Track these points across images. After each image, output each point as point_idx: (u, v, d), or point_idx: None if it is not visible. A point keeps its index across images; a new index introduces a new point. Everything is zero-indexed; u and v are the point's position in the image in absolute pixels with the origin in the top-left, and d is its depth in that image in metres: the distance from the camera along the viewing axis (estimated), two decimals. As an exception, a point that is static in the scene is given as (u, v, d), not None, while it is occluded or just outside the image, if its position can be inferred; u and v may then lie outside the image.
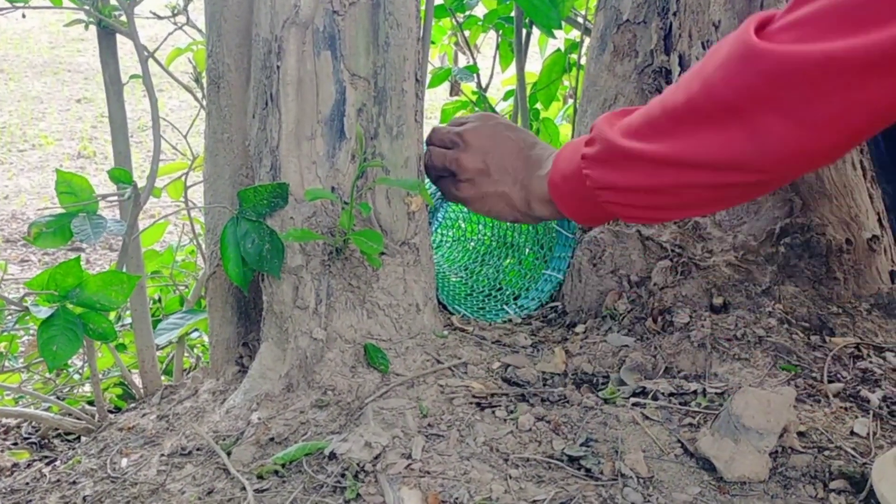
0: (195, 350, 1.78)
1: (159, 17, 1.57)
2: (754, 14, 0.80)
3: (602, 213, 1.02)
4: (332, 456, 0.93)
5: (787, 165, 0.80)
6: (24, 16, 1.61)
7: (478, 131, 1.19)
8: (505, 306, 1.39)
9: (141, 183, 1.18)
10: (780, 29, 0.75)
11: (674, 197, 0.91)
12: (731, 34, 0.80)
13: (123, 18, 1.22)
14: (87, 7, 1.21)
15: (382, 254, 1.10)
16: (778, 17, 0.77)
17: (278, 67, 1.06)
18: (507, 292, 1.44)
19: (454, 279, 1.52)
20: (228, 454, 0.99)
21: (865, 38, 0.69)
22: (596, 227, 1.31)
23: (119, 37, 1.28)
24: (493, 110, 2.10)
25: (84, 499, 0.98)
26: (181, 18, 1.42)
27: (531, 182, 1.12)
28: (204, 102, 1.26)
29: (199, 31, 1.57)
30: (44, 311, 1.04)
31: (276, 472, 0.94)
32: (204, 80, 1.37)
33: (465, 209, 1.57)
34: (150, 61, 1.25)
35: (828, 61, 0.71)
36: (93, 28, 1.26)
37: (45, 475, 1.11)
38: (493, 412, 1.01)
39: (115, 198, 1.12)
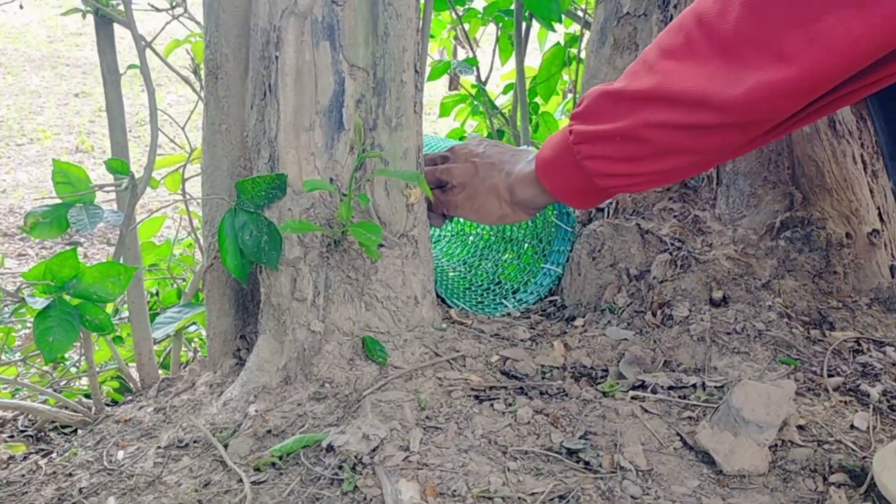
0: (192, 343, 1.78)
1: (157, 10, 1.56)
2: None
3: (584, 181, 1.03)
4: (330, 448, 0.92)
5: (756, 102, 0.82)
6: (21, 6, 1.60)
7: (465, 144, 1.23)
8: (504, 300, 1.39)
9: (138, 175, 1.18)
10: None
11: (649, 146, 0.92)
12: None
13: (121, 8, 1.21)
14: (84, -4, 1.20)
15: (381, 246, 1.09)
16: None
17: (277, 58, 1.05)
18: (506, 286, 1.43)
19: (452, 274, 1.51)
20: (225, 446, 0.98)
21: None
22: (583, 208, 1.31)
23: (118, 30, 1.28)
24: (493, 104, 2.09)
25: (80, 490, 0.98)
26: (179, 10, 1.41)
27: (516, 168, 1.15)
28: (202, 94, 1.25)
29: (197, 22, 1.56)
30: (40, 302, 1.03)
31: (274, 464, 0.93)
32: (202, 72, 1.36)
33: None
34: (149, 54, 1.24)
35: None
36: (91, 23, 1.26)
37: (41, 467, 1.10)
38: (492, 405, 1.00)
39: (113, 191, 1.11)
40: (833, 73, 0.78)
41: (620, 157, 0.96)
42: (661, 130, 0.90)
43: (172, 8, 1.55)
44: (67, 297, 1.06)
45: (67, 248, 3.42)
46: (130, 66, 1.21)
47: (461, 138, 2.20)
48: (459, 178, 1.20)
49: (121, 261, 1.20)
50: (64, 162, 1.08)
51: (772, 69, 0.79)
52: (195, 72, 1.53)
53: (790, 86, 0.80)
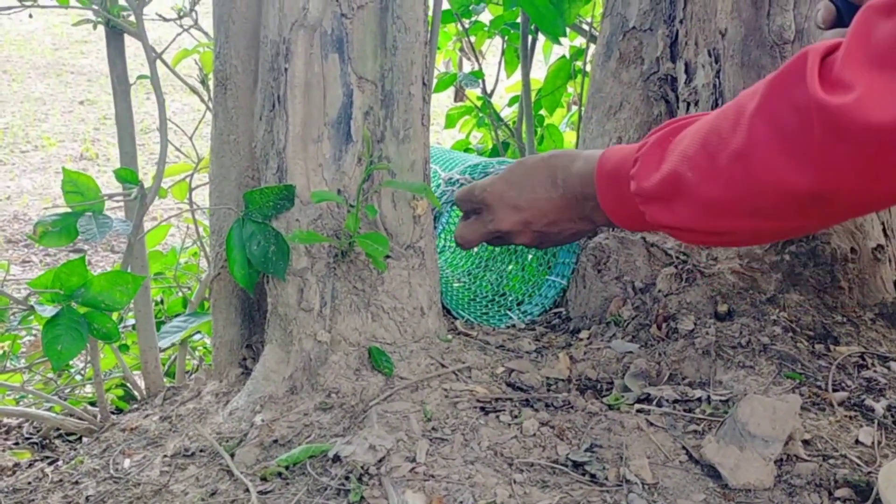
0: (197, 352, 1.78)
1: (165, 20, 1.57)
2: (812, 50, 0.73)
3: (661, 231, 1.01)
4: (336, 458, 0.92)
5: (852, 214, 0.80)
6: (30, 16, 1.61)
7: (495, 194, 1.15)
8: (508, 311, 1.39)
9: (146, 184, 1.18)
10: (850, 82, 0.69)
11: (735, 235, 0.90)
12: (792, 72, 0.74)
13: (132, 19, 1.22)
14: (95, 7, 1.21)
15: (388, 257, 1.10)
16: (842, 62, 0.70)
17: (286, 70, 1.06)
18: (511, 298, 1.44)
19: (457, 285, 1.52)
20: (232, 456, 0.99)
21: None
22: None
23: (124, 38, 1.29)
24: (498, 116, 2.10)
25: (87, 499, 0.98)
26: (188, 21, 1.42)
27: (586, 210, 1.08)
28: (210, 104, 1.26)
29: (206, 33, 1.57)
30: (49, 311, 1.04)
31: (280, 474, 0.94)
32: (210, 82, 1.37)
33: None
34: (156, 63, 1.25)
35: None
36: (97, 31, 1.27)
37: (47, 475, 1.10)
38: (498, 417, 1.01)
39: (119, 199, 1.12)
40: None
41: (703, 239, 0.95)
42: (746, 232, 0.88)
43: (180, 18, 1.56)
44: (76, 306, 1.06)
45: (72, 254, 3.42)
46: (140, 77, 1.22)
47: (467, 149, 2.21)
48: (527, 243, 1.16)
49: (128, 270, 1.21)
50: (73, 171, 1.08)
51: (859, 187, 0.74)
52: (203, 82, 1.54)
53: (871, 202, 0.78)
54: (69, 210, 1.09)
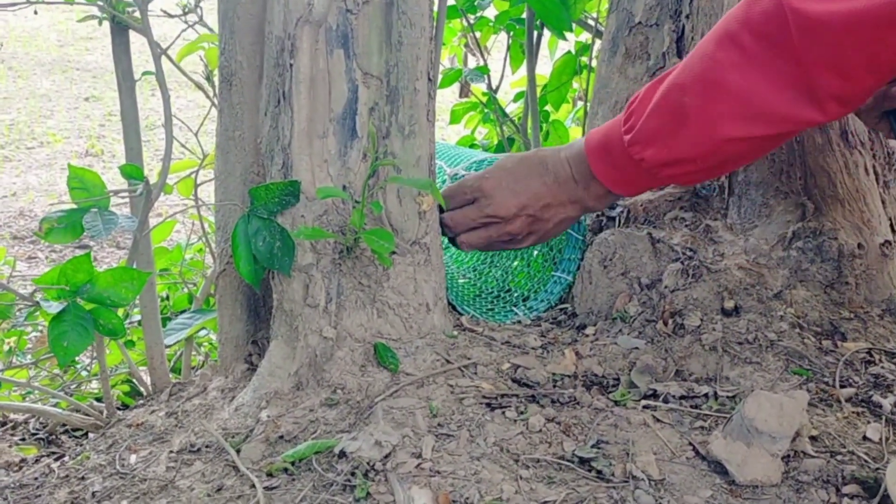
0: (202, 348, 1.78)
1: (170, 16, 1.57)
2: None
3: (657, 182, 1.10)
4: (342, 454, 0.92)
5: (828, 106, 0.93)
6: (35, 12, 1.61)
7: (493, 180, 1.20)
8: (514, 308, 1.39)
9: (151, 180, 1.18)
10: None
11: (725, 155, 1.01)
12: None
13: (137, 15, 1.22)
14: (100, 3, 1.21)
15: (393, 253, 1.10)
16: None
17: (291, 65, 1.05)
18: (516, 294, 1.43)
19: (462, 280, 1.52)
20: (238, 452, 0.99)
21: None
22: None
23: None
24: (503, 112, 2.09)
25: (93, 494, 0.98)
26: (193, 17, 1.42)
27: (577, 192, 1.17)
28: (215, 100, 1.26)
29: (211, 29, 1.57)
30: (55, 307, 1.04)
31: (286, 469, 0.94)
32: (215, 78, 1.37)
33: None
34: (161, 59, 1.25)
35: (855, 19, 0.83)
36: (102, 27, 1.26)
37: (53, 470, 1.11)
38: (504, 413, 1.01)
39: (124, 195, 1.12)
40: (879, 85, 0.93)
41: (701, 169, 1.05)
42: (741, 143, 0.99)
43: (185, 14, 1.56)
44: (81, 302, 1.06)
45: (77, 251, 3.43)
46: (145, 73, 1.22)
47: (472, 145, 2.21)
48: (522, 232, 1.21)
49: (134, 266, 1.21)
50: (79, 167, 1.08)
51: (834, 82, 0.90)
52: (208, 78, 1.54)
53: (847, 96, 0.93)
54: (75, 206, 1.09)
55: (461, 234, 1.22)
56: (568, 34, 1.79)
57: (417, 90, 1.10)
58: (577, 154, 1.16)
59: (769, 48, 0.91)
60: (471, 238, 1.22)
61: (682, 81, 0.98)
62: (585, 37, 2.10)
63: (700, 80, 0.96)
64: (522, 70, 2.00)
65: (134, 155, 1.24)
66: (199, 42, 1.39)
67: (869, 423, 1.00)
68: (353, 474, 0.90)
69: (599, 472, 0.90)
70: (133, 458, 1.06)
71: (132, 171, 1.09)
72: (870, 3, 0.82)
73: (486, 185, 1.20)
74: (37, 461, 1.30)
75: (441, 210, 1.22)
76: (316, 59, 1.06)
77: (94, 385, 1.70)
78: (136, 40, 1.31)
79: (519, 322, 1.33)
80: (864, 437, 0.98)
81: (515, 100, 2.29)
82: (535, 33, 1.88)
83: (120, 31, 1.24)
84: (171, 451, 1.03)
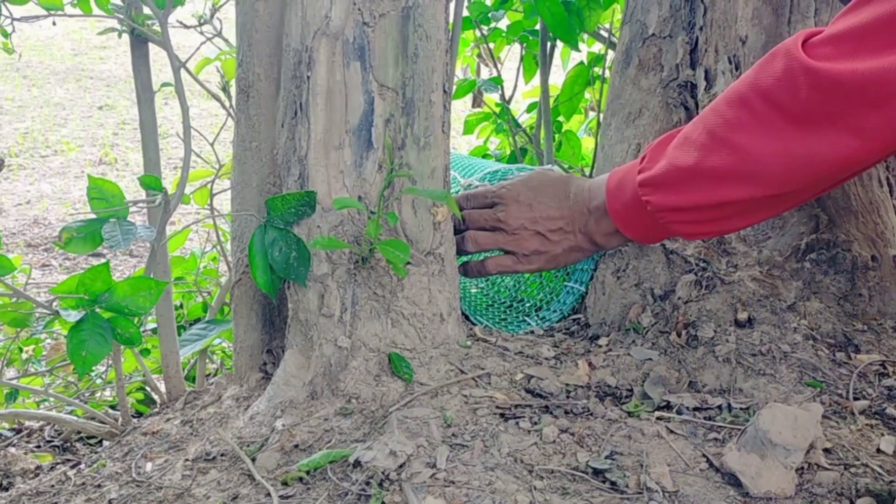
0: (216, 356, 1.80)
1: (186, 27, 1.59)
2: (802, 30, 0.88)
3: (669, 233, 1.10)
4: (357, 464, 0.93)
5: (840, 172, 0.90)
6: (54, 23, 1.63)
7: (513, 190, 1.21)
8: (527, 318, 1.39)
9: (168, 190, 1.19)
10: (822, 42, 0.83)
11: (730, 210, 0.99)
12: (781, 48, 0.88)
13: (155, 27, 1.23)
14: (120, 15, 1.22)
15: (408, 263, 1.10)
16: (833, 24, 0.85)
17: (308, 77, 1.07)
18: (529, 304, 1.44)
19: (474, 290, 1.52)
20: (253, 460, 0.99)
21: None
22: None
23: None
24: (516, 122, 2.10)
25: (109, 502, 0.99)
26: (211, 30, 1.43)
27: (589, 224, 1.17)
28: (232, 111, 1.27)
29: (227, 41, 1.59)
30: (73, 316, 1.05)
31: (301, 478, 0.94)
32: (232, 89, 1.39)
33: None
34: (180, 71, 1.26)
35: (877, 77, 0.79)
36: (116, 37, 1.28)
37: (69, 478, 1.11)
38: (517, 423, 1.01)
39: (145, 207, 1.13)
40: None
41: (702, 220, 1.04)
42: (743, 203, 0.98)
43: (201, 25, 1.57)
44: (100, 311, 1.07)
45: (91, 259, 3.43)
46: (164, 85, 1.23)
47: (485, 156, 2.22)
48: (527, 249, 1.21)
49: (151, 275, 1.22)
50: (99, 178, 1.10)
51: (848, 143, 0.87)
52: (224, 89, 1.56)
53: (863, 157, 0.89)
54: (93, 216, 1.10)
55: (470, 231, 1.23)
56: (581, 45, 1.80)
57: (433, 102, 1.11)
58: (598, 186, 1.16)
59: (778, 110, 0.89)
60: (477, 236, 1.22)
61: (693, 136, 0.98)
62: (598, 47, 2.11)
63: (709, 136, 0.96)
64: (535, 80, 2.01)
65: (152, 165, 1.25)
66: (217, 59, 1.40)
67: (883, 435, 1.00)
68: (367, 484, 0.90)
69: (613, 483, 0.90)
70: (149, 466, 1.07)
71: (151, 182, 1.10)
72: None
73: (505, 193, 1.21)
74: (52, 468, 1.31)
75: (456, 222, 1.23)
76: (333, 71, 1.07)
77: (109, 393, 1.71)
78: (151, 49, 1.32)
79: (532, 332, 1.33)
80: (878, 450, 0.98)
81: (528, 110, 2.30)
82: (549, 44, 1.90)
83: (139, 44, 1.26)
84: (187, 460, 1.04)
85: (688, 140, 0.99)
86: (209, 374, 1.68)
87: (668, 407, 1.06)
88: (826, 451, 0.96)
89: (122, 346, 1.24)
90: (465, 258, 1.31)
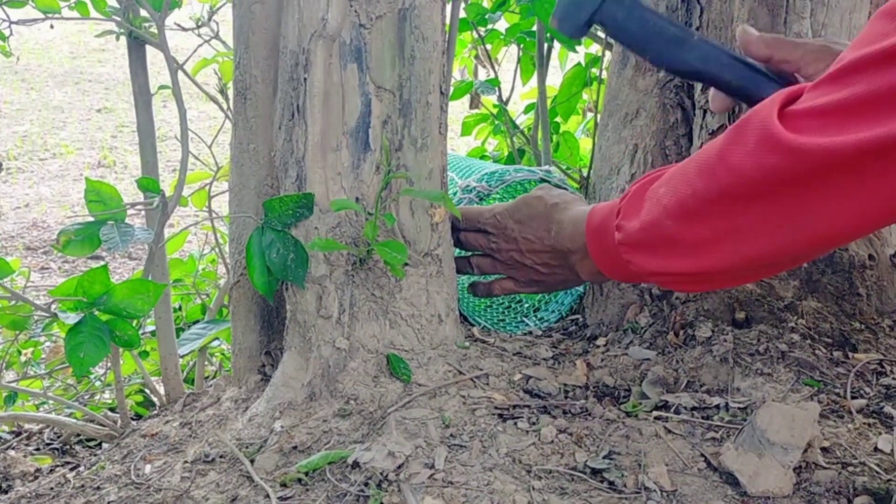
0: (215, 358, 1.80)
1: (184, 29, 1.59)
2: (778, 94, 0.80)
3: (648, 282, 1.09)
4: (356, 465, 0.93)
5: (822, 249, 0.84)
6: (52, 26, 1.63)
7: (500, 224, 1.20)
8: (525, 318, 1.40)
9: (165, 192, 1.20)
10: (805, 115, 0.76)
11: (719, 277, 0.93)
12: (756, 115, 0.80)
13: (153, 30, 1.24)
14: (117, 18, 1.23)
15: (406, 264, 1.11)
16: (803, 99, 0.77)
17: (305, 80, 1.07)
18: (527, 304, 1.44)
19: (473, 291, 1.52)
20: (252, 462, 1.00)
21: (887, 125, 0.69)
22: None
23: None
24: (514, 123, 2.10)
25: (109, 504, 0.99)
26: (209, 32, 1.44)
27: (573, 261, 1.13)
28: (229, 113, 1.28)
29: (224, 44, 1.59)
30: (72, 318, 1.05)
31: (300, 480, 0.95)
32: (229, 92, 1.39)
33: None
34: (177, 73, 1.26)
35: (860, 152, 0.71)
36: (114, 40, 1.28)
37: (69, 480, 1.12)
38: (516, 423, 1.01)
39: (142, 209, 1.13)
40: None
41: (689, 282, 0.99)
42: (726, 274, 0.93)
43: (198, 27, 1.58)
44: (98, 314, 1.08)
45: (90, 261, 3.43)
46: (162, 87, 1.24)
47: (483, 157, 2.22)
48: (523, 278, 1.20)
49: (150, 277, 1.22)
50: (96, 180, 1.10)
51: (828, 216, 0.80)
52: (222, 91, 1.56)
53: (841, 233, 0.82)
54: (91, 219, 1.10)
55: (473, 256, 1.23)
56: (578, 46, 1.80)
57: (430, 103, 1.11)
58: (577, 225, 1.12)
59: (748, 185, 0.81)
60: (480, 262, 1.23)
61: (665, 199, 0.91)
62: (595, 48, 2.11)
63: (680, 207, 0.89)
64: (533, 82, 2.01)
65: (150, 168, 1.25)
66: (214, 59, 1.41)
67: (880, 434, 1.01)
68: (366, 485, 0.90)
69: (611, 483, 0.90)
70: (148, 468, 1.07)
71: (149, 185, 1.10)
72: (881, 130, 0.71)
73: (494, 224, 1.19)
74: (52, 471, 1.31)
75: (454, 225, 1.23)
76: (330, 74, 1.07)
77: (108, 395, 1.71)
78: (149, 52, 1.32)
79: (530, 333, 1.33)
80: (876, 449, 0.98)
81: (526, 111, 2.30)
82: (546, 45, 1.90)
83: (137, 47, 1.26)
84: (186, 462, 1.04)
85: (661, 204, 0.92)
86: (208, 376, 1.68)
87: (666, 407, 1.06)
88: (824, 449, 0.96)
89: (120, 349, 1.24)
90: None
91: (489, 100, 2.13)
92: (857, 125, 0.71)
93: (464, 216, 1.22)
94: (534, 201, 1.18)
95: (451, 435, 0.99)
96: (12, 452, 1.42)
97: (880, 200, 0.74)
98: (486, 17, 1.90)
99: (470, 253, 1.24)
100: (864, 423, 1.03)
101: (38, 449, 1.50)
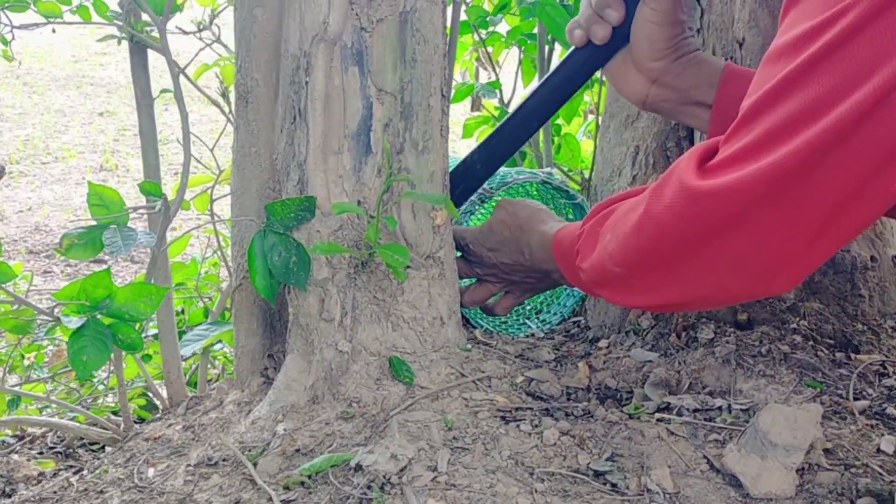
0: (218, 361, 1.80)
1: (185, 33, 1.59)
2: (694, 150, 0.84)
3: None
4: (359, 468, 0.93)
5: (777, 271, 0.83)
6: (54, 31, 1.64)
7: (482, 267, 1.25)
8: (527, 321, 1.40)
9: (167, 196, 1.20)
10: (720, 167, 0.79)
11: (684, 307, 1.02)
12: (673, 174, 0.84)
13: (154, 34, 1.24)
14: (119, 22, 1.23)
15: (408, 267, 1.11)
16: (718, 154, 0.81)
17: (306, 83, 1.07)
18: (529, 307, 1.44)
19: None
20: (255, 465, 1.00)
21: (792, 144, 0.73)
22: None
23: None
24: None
25: (112, 508, 0.99)
26: (210, 35, 1.44)
27: (554, 278, 1.18)
28: (231, 116, 1.28)
29: (226, 47, 1.59)
30: (74, 322, 1.06)
31: (303, 483, 0.95)
32: (231, 95, 1.39)
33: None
34: (179, 77, 1.27)
35: (771, 177, 0.75)
36: (116, 43, 1.29)
37: (72, 484, 1.12)
38: (518, 426, 1.01)
39: (145, 213, 1.13)
40: None
41: (659, 308, 1.07)
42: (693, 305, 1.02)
43: (200, 31, 1.58)
44: (100, 317, 1.08)
45: (92, 264, 3.43)
46: (163, 91, 1.24)
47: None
48: (516, 289, 1.25)
49: (152, 281, 1.22)
50: (99, 184, 1.10)
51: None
52: (223, 94, 1.56)
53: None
54: (94, 222, 1.11)
55: (466, 292, 1.27)
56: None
57: (431, 106, 1.12)
58: (547, 253, 1.14)
59: (668, 236, 0.85)
60: (474, 294, 1.27)
61: (610, 249, 0.94)
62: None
63: (623, 256, 0.92)
64: (534, 84, 2.01)
65: (152, 172, 1.26)
66: (216, 63, 1.41)
67: (883, 435, 1.01)
68: (369, 487, 0.90)
69: (614, 485, 0.90)
70: (151, 471, 1.07)
71: (151, 188, 1.10)
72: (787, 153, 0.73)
73: (471, 250, 1.23)
74: (55, 475, 1.32)
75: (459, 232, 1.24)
76: (331, 77, 1.07)
77: (111, 399, 1.71)
78: (150, 55, 1.33)
79: (532, 335, 1.34)
80: (878, 450, 0.98)
81: (527, 113, 2.30)
82: (547, 48, 1.90)
83: (138, 51, 1.26)
84: (189, 465, 1.05)
85: (606, 252, 0.95)
86: (211, 380, 1.68)
87: (669, 408, 1.06)
88: (826, 451, 0.96)
89: (123, 352, 1.24)
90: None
91: (490, 102, 2.14)
92: (762, 158, 0.75)
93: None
94: (498, 226, 1.22)
95: (454, 437, 0.99)
96: (15, 456, 1.42)
97: (806, 219, 0.76)
98: (487, 19, 1.90)
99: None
100: (867, 425, 1.03)
101: (41, 453, 1.50)
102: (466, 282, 1.42)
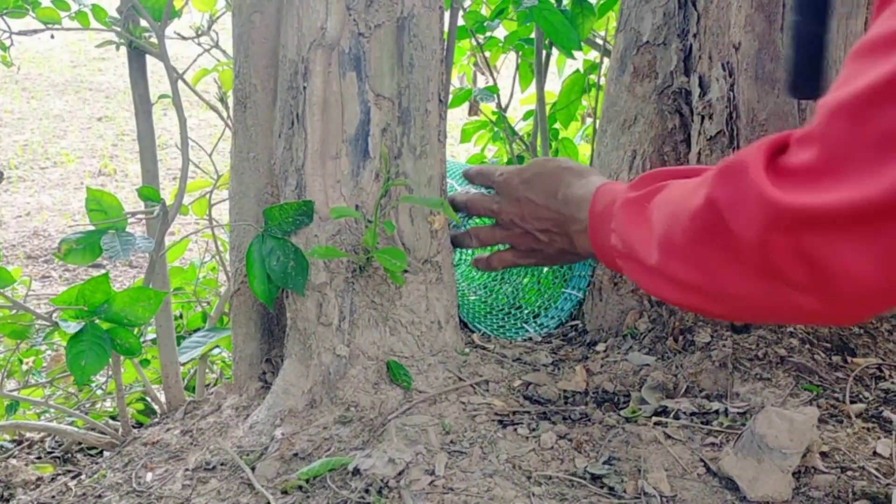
0: (216, 366, 1.80)
1: (184, 38, 1.60)
2: (761, 143, 0.69)
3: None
4: (356, 471, 0.94)
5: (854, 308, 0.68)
6: (52, 36, 1.64)
7: (507, 184, 1.16)
8: (525, 324, 1.40)
9: (166, 201, 1.20)
10: (794, 171, 0.65)
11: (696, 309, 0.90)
12: (739, 165, 0.70)
13: (153, 40, 1.24)
14: (117, 28, 1.23)
15: (405, 271, 1.11)
16: (792, 152, 0.67)
17: (304, 88, 1.07)
18: (527, 311, 1.44)
19: (473, 297, 1.53)
20: (253, 469, 1.00)
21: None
22: None
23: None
24: (513, 130, 2.11)
25: (110, 512, 0.99)
26: (209, 41, 1.44)
27: (573, 231, 1.08)
28: (229, 121, 1.28)
29: (224, 52, 1.59)
30: (73, 327, 1.06)
31: (301, 487, 0.95)
32: (229, 100, 1.39)
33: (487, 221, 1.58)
34: (177, 82, 1.27)
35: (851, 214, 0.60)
36: (114, 48, 1.29)
37: (70, 489, 1.12)
38: (515, 430, 1.02)
39: (143, 218, 1.13)
40: None
41: (678, 304, 0.91)
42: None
43: (198, 36, 1.58)
44: (99, 322, 1.08)
45: (91, 269, 3.43)
46: (162, 96, 1.24)
47: (482, 163, 2.22)
48: (523, 245, 1.16)
49: (150, 286, 1.22)
50: (97, 190, 1.10)
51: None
52: (222, 99, 1.57)
53: None
54: (92, 228, 1.11)
55: (473, 227, 1.20)
56: (576, 53, 1.81)
57: (429, 111, 1.12)
58: (584, 203, 1.06)
59: (731, 237, 0.70)
60: (479, 232, 1.17)
61: (655, 227, 0.85)
62: (594, 55, 2.12)
63: (669, 243, 0.81)
64: (532, 88, 2.02)
65: (150, 177, 1.26)
66: (214, 68, 1.41)
67: (879, 438, 1.01)
68: (367, 491, 0.91)
69: (611, 488, 0.90)
70: (149, 476, 1.07)
71: (150, 193, 1.10)
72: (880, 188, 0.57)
73: (500, 182, 1.15)
74: (53, 479, 1.32)
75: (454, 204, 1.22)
76: (329, 82, 1.08)
77: (109, 403, 1.71)
78: (148, 60, 1.33)
79: (530, 339, 1.34)
80: (875, 453, 0.98)
81: (525, 118, 2.31)
82: (544, 52, 1.90)
83: (137, 56, 1.27)
84: (187, 469, 1.05)
85: (652, 236, 0.85)
86: (209, 384, 1.69)
87: (666, 412, 1.06)
88: (823, 454, 0.96)
89: (121, 357, 1.24)
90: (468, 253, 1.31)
91: (488, 107, 2.14)
92: (875, 173, 0.59)
93: (479, 174, 1.20)
94: (544, 161, 1.15)
95: (452, 441, 0.99)
96: (14, 461, 1.42)
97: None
98: (485, 24, 1.90)
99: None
100: (863, 428, 1.03)
101: (39, 457, 1.50)
102: (464, 286, 1.42)
